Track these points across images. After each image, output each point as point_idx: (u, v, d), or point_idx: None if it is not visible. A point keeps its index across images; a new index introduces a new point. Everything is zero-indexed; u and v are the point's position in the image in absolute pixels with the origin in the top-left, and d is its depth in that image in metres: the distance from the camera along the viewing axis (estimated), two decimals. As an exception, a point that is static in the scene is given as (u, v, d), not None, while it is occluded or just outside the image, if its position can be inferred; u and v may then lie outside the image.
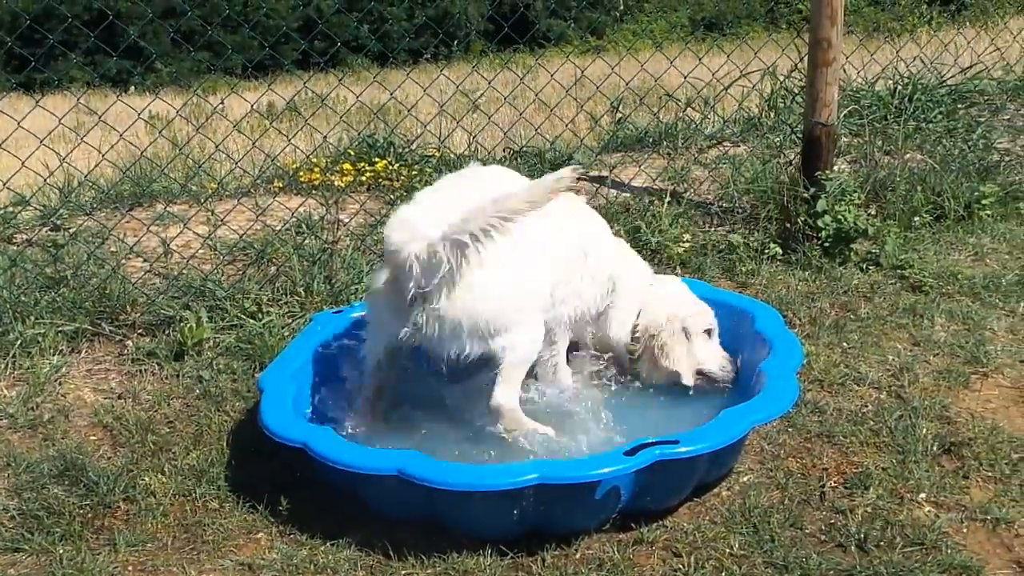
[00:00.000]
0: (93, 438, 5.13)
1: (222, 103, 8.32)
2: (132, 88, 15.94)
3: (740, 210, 7.76)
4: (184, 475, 4.72)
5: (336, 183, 7.74)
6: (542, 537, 4.15)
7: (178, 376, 5.66)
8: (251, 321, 6.05)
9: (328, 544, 4.20)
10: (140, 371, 5.72)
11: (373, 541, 4.18)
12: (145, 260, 6.69)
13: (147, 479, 4.67)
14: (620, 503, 4.16)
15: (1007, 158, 8.78)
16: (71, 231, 6.98)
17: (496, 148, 8.82)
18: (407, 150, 8.72)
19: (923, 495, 4.43)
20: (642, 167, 8.48)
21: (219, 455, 4.89)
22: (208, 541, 4.30)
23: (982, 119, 9.68)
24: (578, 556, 4.11)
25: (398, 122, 9.18)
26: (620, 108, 10.06)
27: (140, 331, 6.08)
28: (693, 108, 10.12)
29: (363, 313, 4.91)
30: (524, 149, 8.79)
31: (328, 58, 9.28)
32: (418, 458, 4.07)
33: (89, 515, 4.46)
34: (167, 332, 6.01)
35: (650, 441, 4.10)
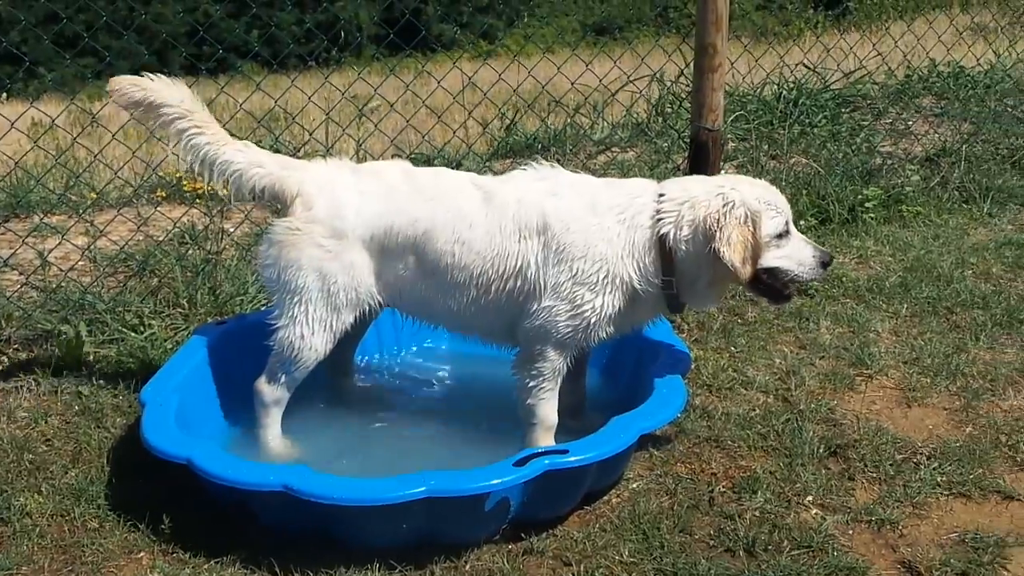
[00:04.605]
0: (-35, 458, 4.96)
1: (93, 113, 8.08)
2: (5, 95, 15.47)
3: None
4: (62, 495, 4.58)
5: (220, 192, 7.59)
6: (432, 548, 4.11)
7: (56, 392, 5.50)
8: (132, 334, 5.91)
9: (212, 562, 4.11)
10: (16, 388, 5.55)
11: (259, 558, 4.10)
12: (21, 273, 6.51)
13: (23, 499, 4.53)
14: (510, 513, 4.14)
15: (889, 161, 8.96)
16: (-58, 244, 6.77)
17: (384, 155, 8.74)
18: (293, 157, 8.60)
19: (810, 498, 4.48)
20: (531, 173, 8.45)
21: (99, 473, 4.76)
22: (87, 562, 4.17)
23: (865, 123, 9.87)
24: (468, 567, 4.08)
25: (284, 129, 9.07)
26: (510, 114, 10.05)
27: (16, 346, 5.91)
28: (582, 114, 10.15)
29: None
30: (413, 156, 8.72)
31: (217, 64, 9.12)
32: (304, 473, 4.00)
33: (-40, 538, 4.31)
34: (45, 347, 5.85)
35: (539, 451, 4.09)
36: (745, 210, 4.43)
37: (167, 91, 4.86)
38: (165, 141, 7.37)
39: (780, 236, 4.54)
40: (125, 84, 4.88)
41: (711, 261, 4.46)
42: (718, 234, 4.39)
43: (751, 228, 4.44)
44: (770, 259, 4.54)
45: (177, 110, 4.83)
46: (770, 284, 4.63)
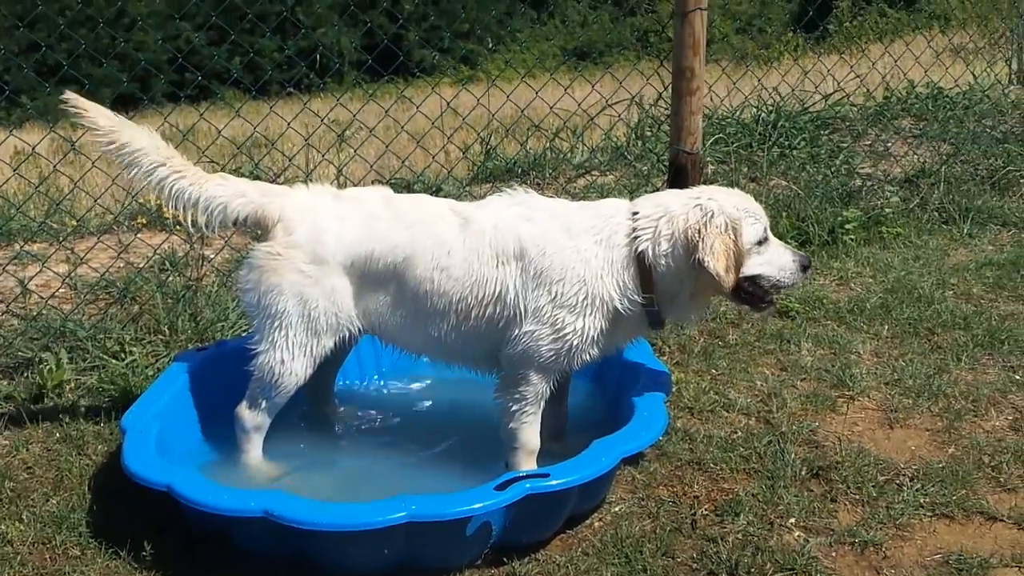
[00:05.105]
0: (-55, 487, 4.92)
1: (72, 141, 8.06)
2: (-15, 124, 15.47)
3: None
4: (44, 522, 4.56)
5: (201, 222, 7.58)
6: (413, 573, 4.10)
7: (37, 419, 5.47)
8: (114, 361, 5.89)
9: (193, 589, 4.09)
10: (-4, 416, 5.53)
11: (239, 585, 4.08)
12: (1, 301, 6.49)
13: (4, 527, 4.50)
14: (492, 537, 4.13)
15: (868, 183, 8.99)
16: (-78, 273, 6.73)
17: (364, 180, 8.74)
18: (274, 183, 8.59)
19: (792, 520, 4.46)
20: (512, 198, 8.46)
21: (80, 500, 4.73)
22: (68, 590, 4.15)
23: (844, 145, 9.91)
24: (450, 593, 4.07)
25: (263, 155, 9.06)
26: (489, 139, 10.06)
27: (-4, 374, 5.88)
28: (561, 138, 10.17)
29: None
30: (393, 181, 8.73)
31: (198, 91, 9.11)
32: (284, 498, 3.99)
33: (-60, 568, 4.28)
34: (26, 375, 5.83)
35: (520, 475, 4.08)
36: (725, 218, 4.46)
37: (143, 139, 4.88)
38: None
39: (760, 243, 4.58)
40: (100, 120, 4.88)
41: (692, 273, 4.48)
42: (700, 244, 4.40)
43: (732, 236, 4.46)
44: (752, 266, 4.57)
45: (155, 159, 4.84)
46: (752, 292, 4.65)
